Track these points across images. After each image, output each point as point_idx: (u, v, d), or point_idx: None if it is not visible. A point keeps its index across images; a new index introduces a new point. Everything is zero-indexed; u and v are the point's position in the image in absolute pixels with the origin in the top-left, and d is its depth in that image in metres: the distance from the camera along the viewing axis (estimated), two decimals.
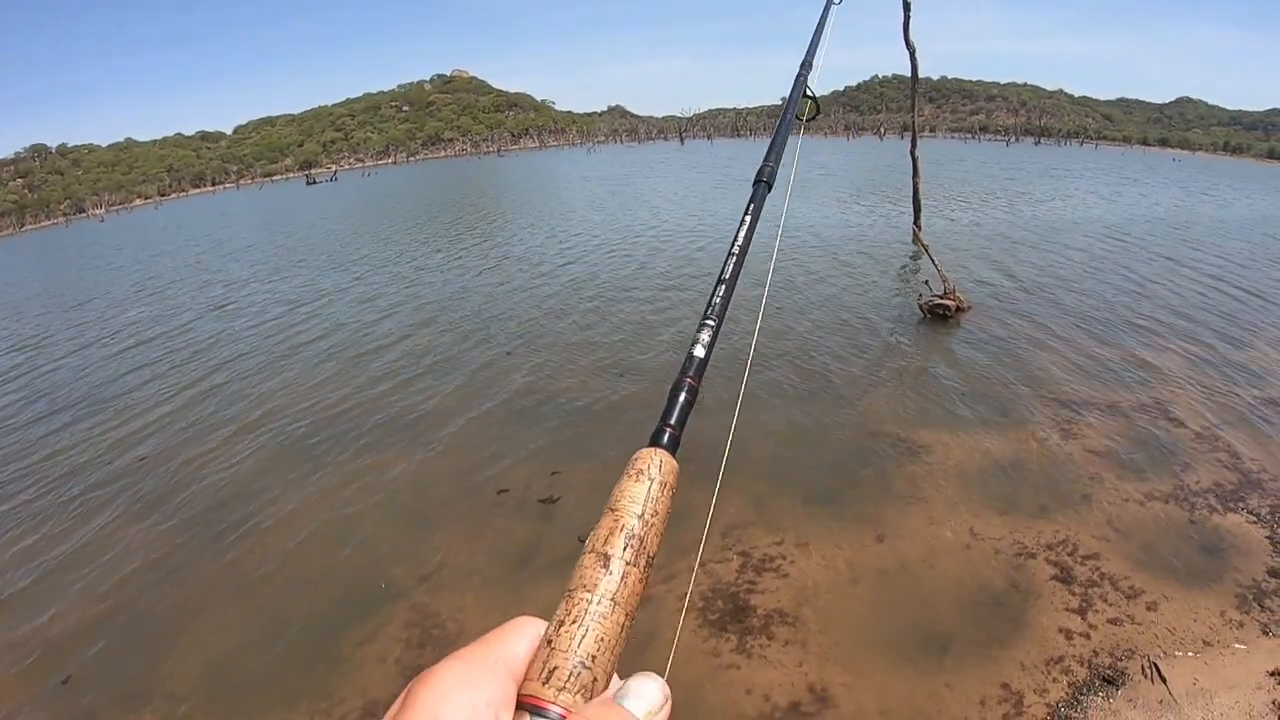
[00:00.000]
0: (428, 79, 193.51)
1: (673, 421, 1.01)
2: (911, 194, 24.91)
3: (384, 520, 8.96)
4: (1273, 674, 5.58)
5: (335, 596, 7.62)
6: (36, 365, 18.12)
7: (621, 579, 0.82)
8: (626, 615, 0.81)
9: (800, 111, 1.97)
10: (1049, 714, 5.47)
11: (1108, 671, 5.80)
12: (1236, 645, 6.02)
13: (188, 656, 6.97)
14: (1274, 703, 5.30)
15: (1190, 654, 5.95)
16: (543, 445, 10.58)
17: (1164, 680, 5.63)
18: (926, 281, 16.26)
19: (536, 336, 15.84)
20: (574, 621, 0.78)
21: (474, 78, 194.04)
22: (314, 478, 10.15)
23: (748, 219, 1.38)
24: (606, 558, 0.83)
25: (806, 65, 2.14)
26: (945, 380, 12.02)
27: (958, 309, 15.35)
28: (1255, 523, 7.73)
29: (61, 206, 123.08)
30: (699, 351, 1.11)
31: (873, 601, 6.90)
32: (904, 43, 23.87)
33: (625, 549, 0.84)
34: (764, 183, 1.54)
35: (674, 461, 0.95)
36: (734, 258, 1.27)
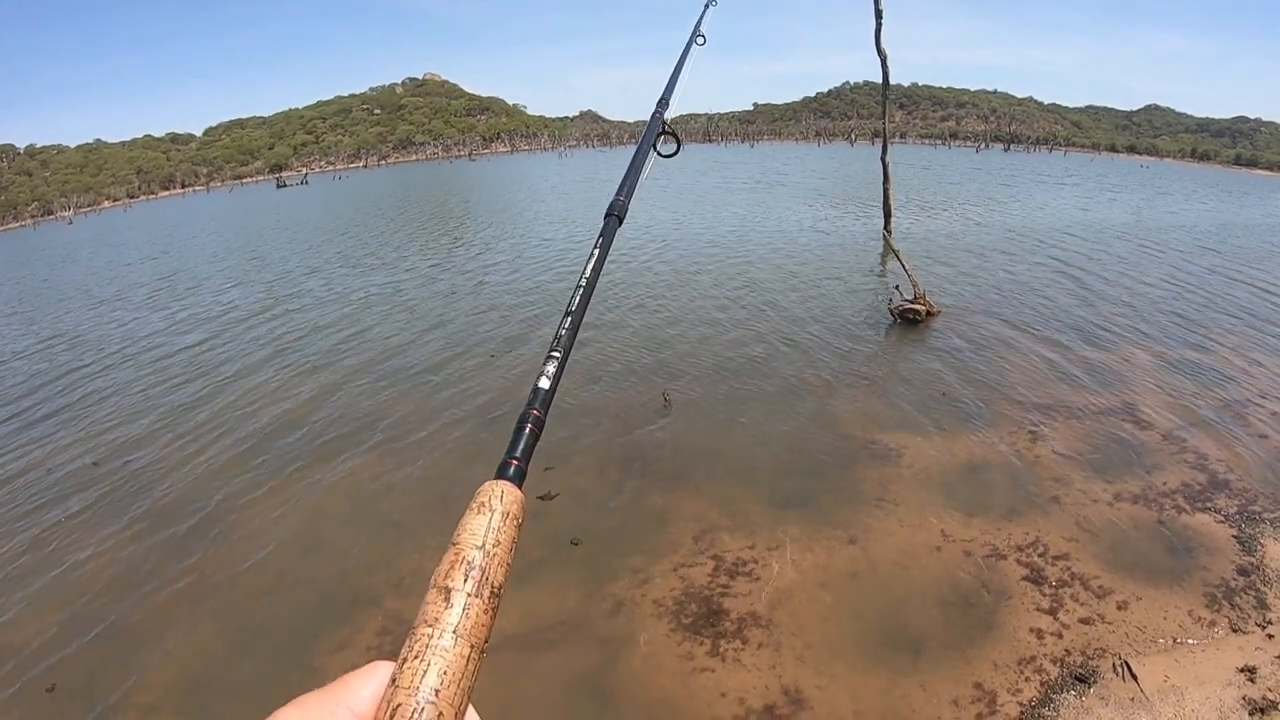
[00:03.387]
0: (399, 82, 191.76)
1: (518, 454, 1.00)
2: (882, 199, 25.06)
3: (357, 526, 8.86)
4: (1242, 670, 5.64)
5: (308, 604, 7.52)
6: None
7: (463, 611, 0.81)
8: (472, 647, 0.80)
9: (663, 147, 1.98)
10: (1022, 713, 5.49)
11: (1080, 670, 5.84)
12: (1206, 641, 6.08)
13: (160, 665, 6.85)
14: (1244, 698, 5.34)
15: (1160, 652, 6.00)
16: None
17: (1135, 678, 5.67)
18: (897, 286, 16.35)
19: (521, 339, 15.79)
20: (416, 657, 0.77)
21: (446, 81, 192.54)
22: (286, 485, 10.01)
23: (596, 252, 1.37)
24: (448, 591, 0.82)
25: (663, 104, 2.17)
26: (915, 384, 12.08)
27: (928, 313, 15.45)
28: (1223, 522, 7.82)
29: (30, 208, 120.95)
30: (544, 384, 1.11)
31: (845, 604, 6.90)
32: (875, 49, 24.05)
33: (466, 581, 0.84)
34: (614, 216, 1.53)
35: (518, 492, 0.95)
36: (581, 290, 1.27)
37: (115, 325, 21.16)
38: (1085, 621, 6.42)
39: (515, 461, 0.99)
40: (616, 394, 12.15)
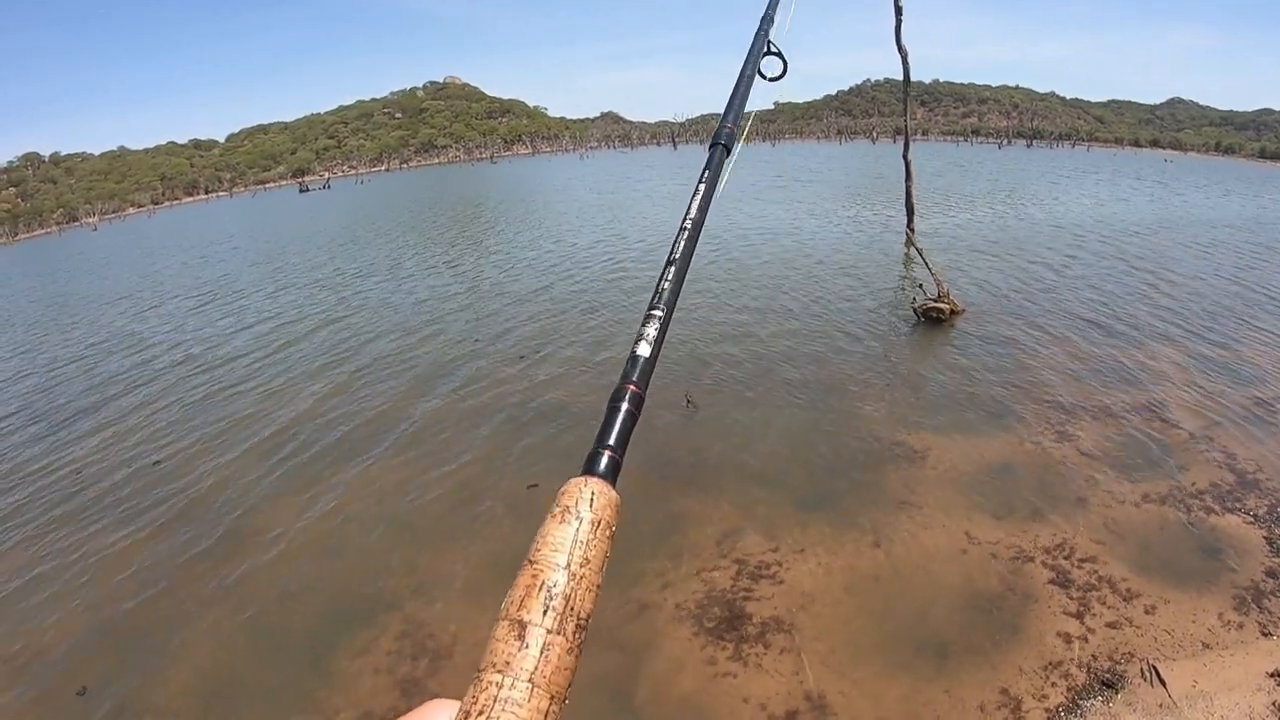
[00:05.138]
0: (420, 86, 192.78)
1: (611, 442, 0.84)
2: (905, 197, 24.91)
3: (379, 530, 8.90)
4: (1272, 675, 5.55)
5: (329, 608, 7.56)
6: (21, 377, 18.06)
7: (542, 653, 0.66)
8: (552, 698, 0.65)
9: (767, 68, 1.72)
10: (1048, 718, 5.43)
11: (1107, 675, 5.77)
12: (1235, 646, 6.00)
13: (182, 668, 6.91)
14: (1274, 704, 5.26)
15: (1189, 656, 5.92)
16: (559, 447, 10.55)
17: (1163, 683, 5.59)
18: (920, 285, 16.27)
19: (554, 337, 15.85)
20: (481, 713, 0.63)
21: (467, 84, 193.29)
22: (308, 488, 10.07)
23: (702, 187, 1.19)
24: (523, 626, 0.67)
25: (767, 20, 1.87)
26: (939, 384, 12.00)
27: (952, 312, 15.33)
28: (1252, 523, 7.70)
29: (55, 215, 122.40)
30: (643, 350, 0.94)
31: (869, 608, 6.86)
32: (896, 46, 23.92)
33: (546, 613, 0.68)
34: (721, 145, 1.33)
35: (613, 493, 0.79)
36: (686, 233, 1.10)
37: (151, 330, 21.42)
38: (1113, 625, 6.34)
39: (609, 451, 0.82)
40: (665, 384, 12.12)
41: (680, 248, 1.08)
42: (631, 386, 0.90)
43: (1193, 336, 13.93)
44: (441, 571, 7.92)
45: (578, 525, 0.74)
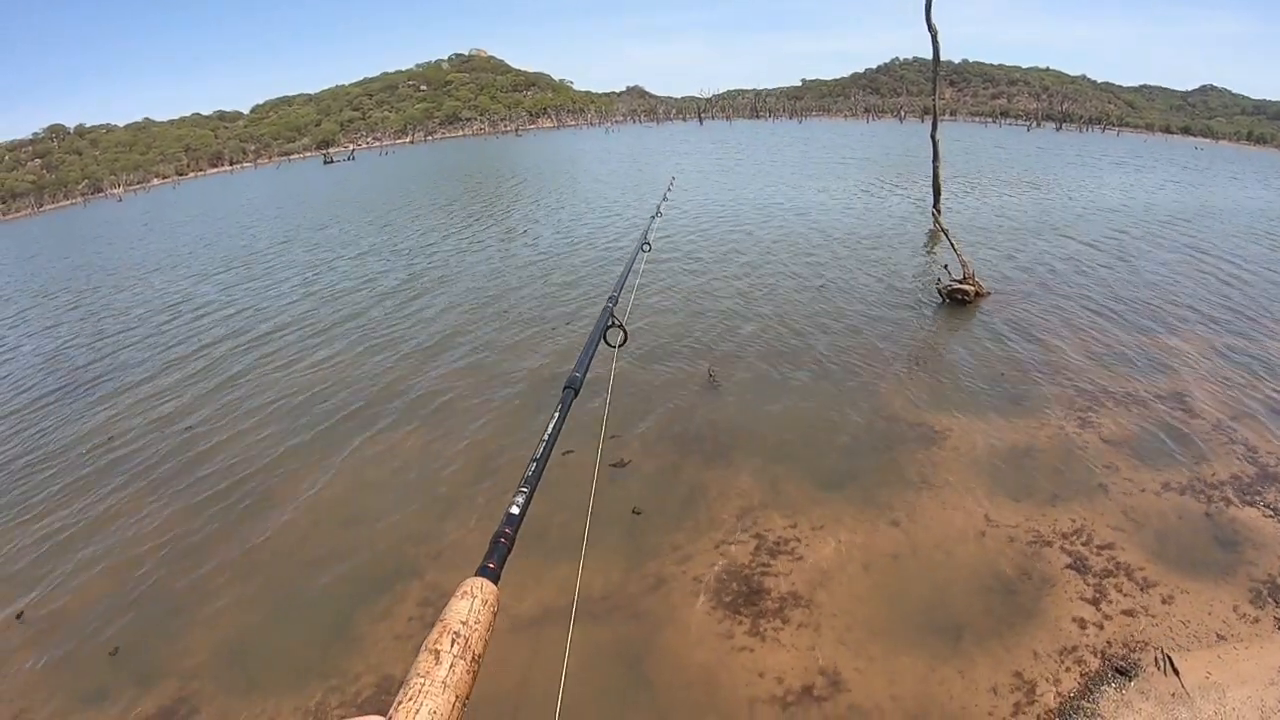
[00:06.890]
0: (446, 58, 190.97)
1: (493, 561, 1.33)
2: (932, 177, 24.68)
3: (400, 498, 9.04)
4: None
5: (349, 574, 7.71)
6: (53, 342, 18.34)
7: (450, 668, 1.03)
8: (457, 696, 1.00)
9: (611, 337, 2.54)
10: (1061, 703, 5.48)
11: (1121, 662, 5.80)
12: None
13: (207, 632, 7.08)
14: None
15: (1203, 647, 5.94)
16: (588, 418, 10.55)
17: (1177, 673, 5.62)
18: (946, 266, 16.14)
19: (582, 314, 15.82)
20: (410, 699, 0.96)
21: (492, 57, 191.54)
22: (333, 456, 10.23)
23: (556, 415, 1.78)
24: (438, 653, 1.05)
25: (612, 299, 2.73)
26: (962, 366, 11.97)
27: (977, 294, 15.26)
28: (1272, 516, 7.68)
29: (79, 187, 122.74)
30: (514, 510, 1.45)
31: (886, 586, 6.91)
32: (926, 24, 23.62)
33: (453, 645, 1.07)
34: (571, 389, 1.96)
35: (494, 587, 1.26)
36: (544, 444, 1.66)
37: (180, 301, 21.69)
38: (1128, 613, 6.37)
39: (492, 565, 1.32)
40: (667, 370, 12.16)
41: (540, 451, 1.64)
42: (507, 530, 1.41)
43: (1222, 326, 13.78)
44: (464, 539, 8.04)
45: (473, 601, 1.19)
